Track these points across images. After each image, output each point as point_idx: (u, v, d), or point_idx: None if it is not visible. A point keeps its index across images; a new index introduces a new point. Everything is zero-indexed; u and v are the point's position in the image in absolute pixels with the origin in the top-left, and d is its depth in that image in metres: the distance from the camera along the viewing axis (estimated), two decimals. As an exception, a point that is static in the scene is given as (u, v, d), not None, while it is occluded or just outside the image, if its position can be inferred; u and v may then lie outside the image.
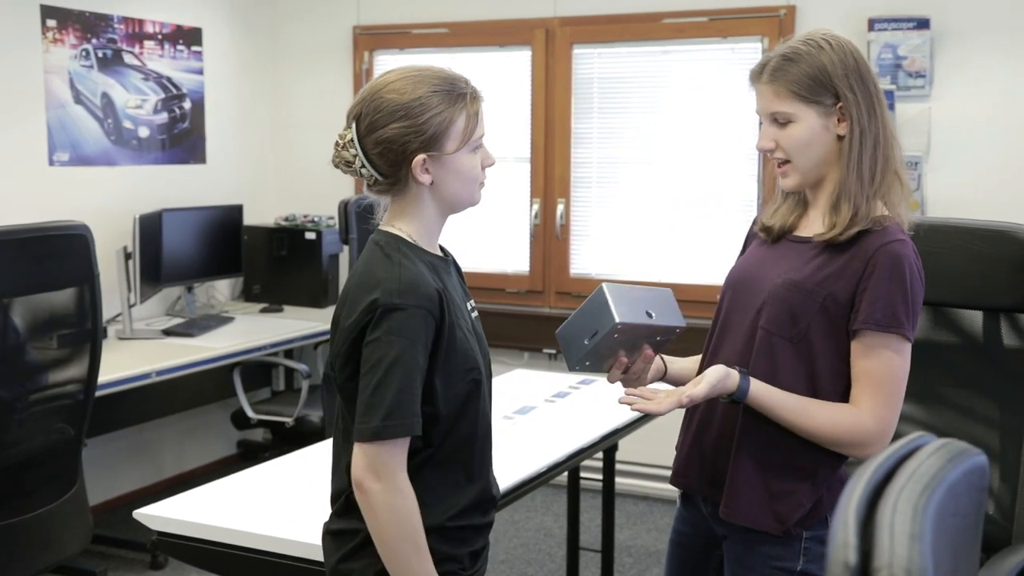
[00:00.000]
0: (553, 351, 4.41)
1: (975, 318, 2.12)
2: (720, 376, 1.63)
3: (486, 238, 4.59)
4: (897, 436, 1.65)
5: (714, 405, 1.74)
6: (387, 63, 4.69)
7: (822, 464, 1.68)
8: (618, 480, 3.35)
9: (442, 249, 1.67)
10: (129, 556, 3.69)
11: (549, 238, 4.44)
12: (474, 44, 4.49)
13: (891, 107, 3.77)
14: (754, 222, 1.88)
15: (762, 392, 1.64)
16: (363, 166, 1.54)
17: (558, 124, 4.38)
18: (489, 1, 4.44)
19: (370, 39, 4.70)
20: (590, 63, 4.35)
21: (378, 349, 1.45)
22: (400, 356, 1.45)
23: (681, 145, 4.22)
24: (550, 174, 4.41)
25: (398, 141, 1.50)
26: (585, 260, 4.44)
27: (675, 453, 1.86)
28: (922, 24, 3.73)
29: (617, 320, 1.62)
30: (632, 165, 4.34)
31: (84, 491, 2.81)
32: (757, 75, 1.69)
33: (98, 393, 2.87)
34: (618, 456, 3.16)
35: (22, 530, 2.60)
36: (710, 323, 1.83)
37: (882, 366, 1.61)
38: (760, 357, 1.67)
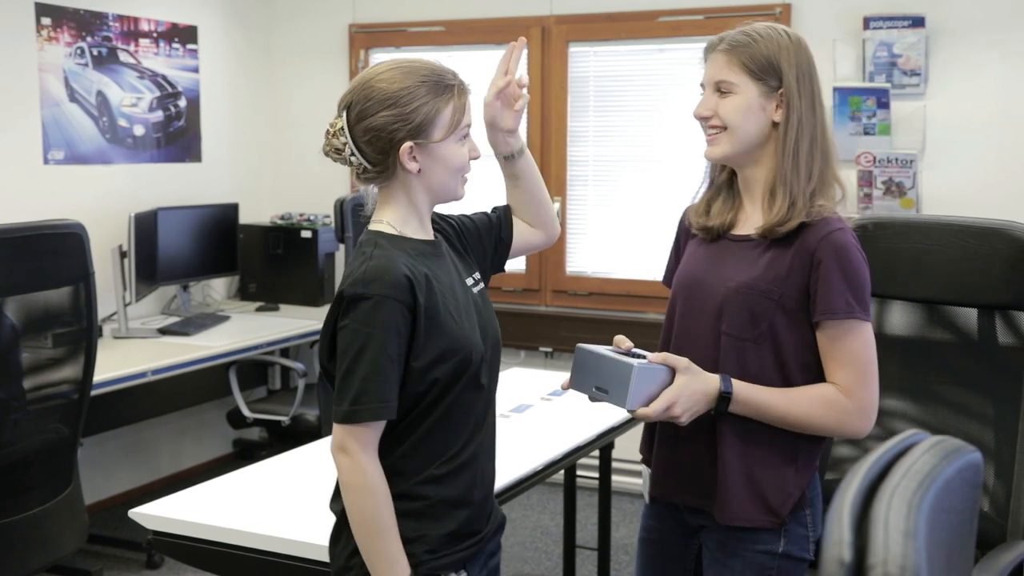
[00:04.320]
0: (549, 349, 4.41)
1: (970, 315, 2.12)
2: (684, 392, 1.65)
3: (482, 236, 4.59)
4: (892, 433, 1.65)
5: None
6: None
7: (801, 450, 1.72)
8: (614, 478, 3.35)
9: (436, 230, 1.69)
10: (125, 555, 3.68)
11: (545, 236, 4.43)
12: (470, 42, 4.49)
13: (886, 105, 3.78)
14: (683, 219, 1.90)
15: (746, 389, 1.67)
16: (352, 154, 1.58)
17: (554, 122, 4.37)
18: (485, -1, 4.45)
19: (366, 37, 4.70)
20: (586, 61, 4.35)
21: (346, 338, 1.51)
22: (366, 344, 1.49)
23: (677, 143, 4.22)
24: (546, 172, 4.41)
25: (386, 129, 1.54)
26: (581, 258, 4.44)
27: (648, 468, 1.88)
28: (917, 22, 3.73)
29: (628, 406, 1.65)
30: (628, 163, 4.34)
31: (79, 490, 2.81)
32: (715, 45, 1.75)
33: (93, 392, 2.86)
34: (614, 454, 3.16)
35: (17, 530, 2.59)
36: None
37: (847, 350, 1.66)
38: (728, 362, 1.69)
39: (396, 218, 1.60)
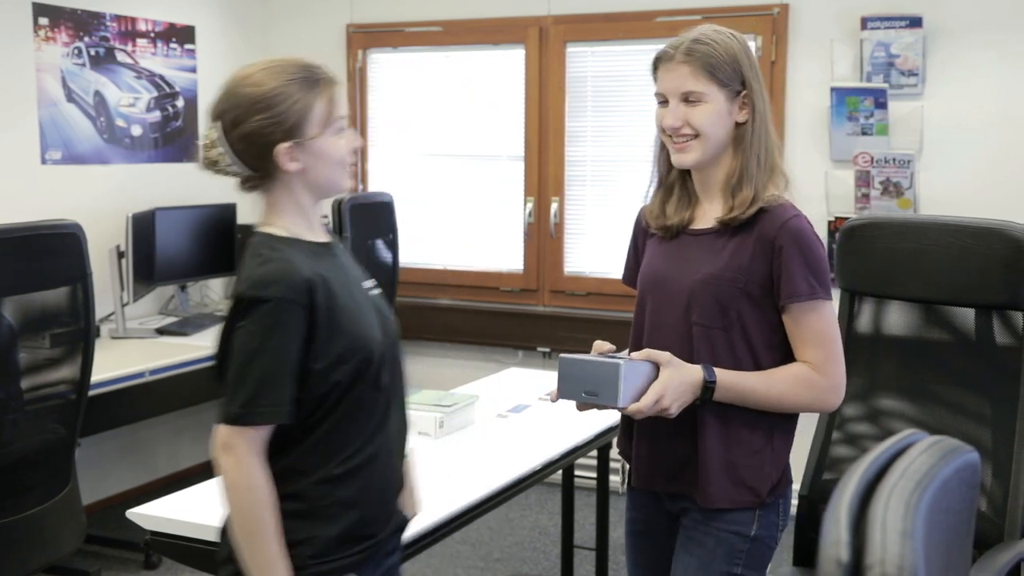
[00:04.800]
0: (547, 349, 4.41)
1: (967, 315, 2.12)
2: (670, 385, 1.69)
3: (480, 237, 4.59)
4: (889, 433, 1.66)
5: None
6: (381, 61, 4.69)
7: (776, 430, 1.79)
8: (612, 478, 3.36)
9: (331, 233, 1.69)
10: (122, 556, 3.68)
11: (543, 237, 4.44)
12: (468, 42, 4.49)
13: (884, 105, 3.78)
14: (639, 220, 1.95)
15: (727, 376, 1.72)
16: (231, 164, 1.57)
17: (552, 122, 4.37)
18: (482, -1, 4.45)
19: (363, 37, 4.69)
20: (584, 61, 4.35)
21: (242, 339, 1.50)
22: (263, 346, 1.48)
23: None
24: (544, 172, 4.41)
25: (261, 133, 1.54)
26: (579, 259, 4.44)
27: (626, 462, 1.93)
28: (915, 22, 3.73)
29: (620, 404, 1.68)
30: (626, 163, 4.34)
31: (77, 491, 2.80)
32: (670, 56, 1.78)
33: (91, 392, 2.86)
34: (612, 454, 3.17)
35: (15, 530, 2.59)
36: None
37: (813, 330, 1.74)
38: (702, 351, 1.75)
39: (286, 222, 1.59)
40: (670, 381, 1.69)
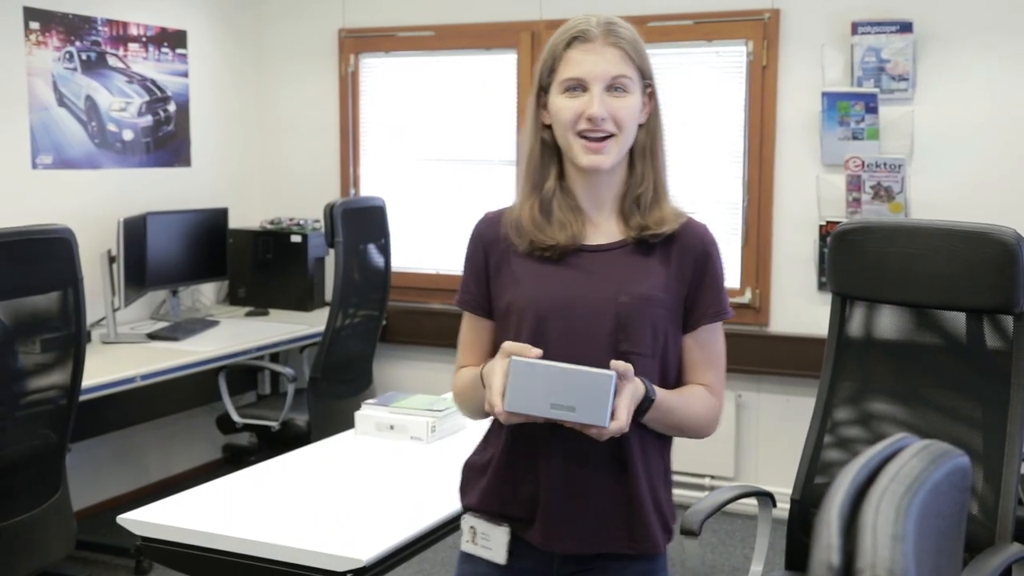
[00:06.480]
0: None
1: (958, 319, 2.13)
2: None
3: (472, 241, 4.59)
4: (880, 437, 1.66)
5: (563, 458, 1.54)
6: (373, 66, 4.69)
7: (666, 460, 1.63)
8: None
9: None
10: (113, 562, 3.66)
11: (535, 241, 4.43)
12: (460, 47, 4.49)
13: (875, 110, 3.79)
14: (484, 235, 1.63)
15: (661, 392, 1.52)
16: None
17: (544, 127, 4.37)
18: (475, 4, 4.45)
19: (356, 42, 4.69)
20: (576, 66, 4.35)
21: None
22: None
23: (666, 148, 4.22)
24: (536, 177, 4.41)
25: None
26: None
27: (500, 527, 1.60)
28: (905, 27, 3.75)
29: (606, 424, 1.43)
30: (618, 168, 4.34)
31: (68, 496, 2.79)
32: (593, 36, 1.52)
33: (82, 397, 2.85)
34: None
35: (5, 536, 2.58)
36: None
37: (717, 351, 1.61)
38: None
39: None
40: (633, 395, 1.45)
